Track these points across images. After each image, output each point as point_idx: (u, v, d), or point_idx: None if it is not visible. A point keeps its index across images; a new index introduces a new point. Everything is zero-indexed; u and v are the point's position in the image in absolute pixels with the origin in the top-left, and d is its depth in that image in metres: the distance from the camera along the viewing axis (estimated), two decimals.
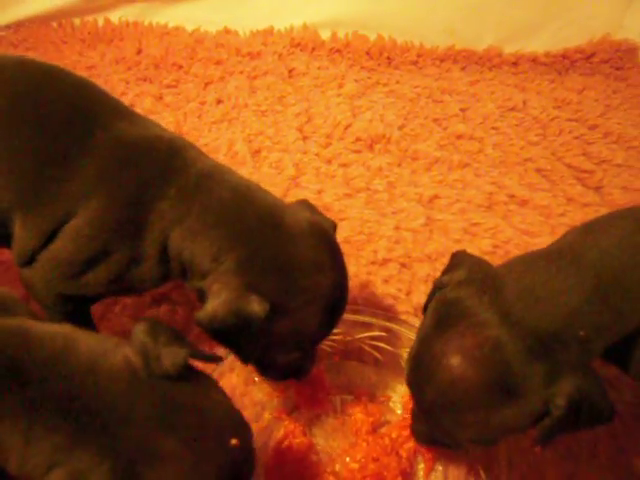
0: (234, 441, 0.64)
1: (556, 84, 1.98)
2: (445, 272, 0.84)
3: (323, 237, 0.88)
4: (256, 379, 1.05)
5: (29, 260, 0.89)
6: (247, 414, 1.00)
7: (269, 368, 0.95)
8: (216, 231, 0.85)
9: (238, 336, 0.81)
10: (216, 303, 0.80)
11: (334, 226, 0.94)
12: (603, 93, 1.96)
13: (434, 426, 0.82)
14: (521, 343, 0.71)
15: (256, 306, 0.79)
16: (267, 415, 1.02)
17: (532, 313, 0.73)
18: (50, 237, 0.87)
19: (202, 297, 0.89)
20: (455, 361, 0.73)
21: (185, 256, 0.87)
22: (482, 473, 0.91)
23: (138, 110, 1.65)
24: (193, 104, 1.72)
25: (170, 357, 0.64)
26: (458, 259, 0.84)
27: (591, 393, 0.71)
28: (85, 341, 0.65)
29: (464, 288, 0.77)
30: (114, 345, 0.66)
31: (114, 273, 0.88)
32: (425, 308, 0.87)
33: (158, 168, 0.88)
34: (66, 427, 0.58)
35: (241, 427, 0.68)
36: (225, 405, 0.69)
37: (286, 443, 0.97)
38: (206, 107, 1.72)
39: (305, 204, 0.94)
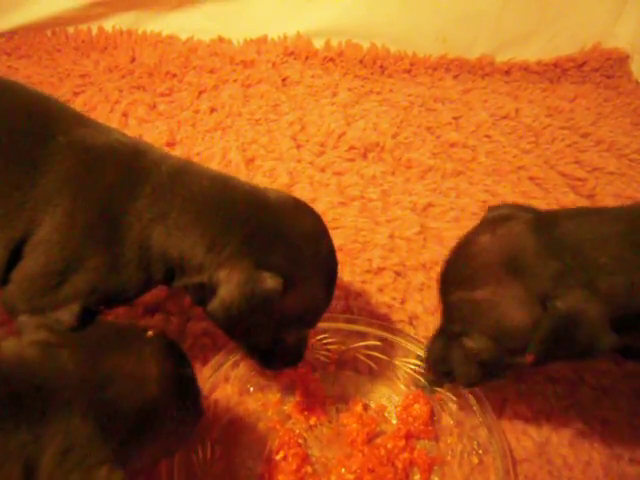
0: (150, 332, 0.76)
1: (548, 92, 1.99)
2: None
3: (309, 209, 0.91)
4: (251, 389, 1.05)
5: (2, 280, 0.86)
6: (242, 424, 1.01)
7: (274, 355, 0.94)
8: (205, 221, 0.84)
9: (254, 319, 0.82)
10: (230, 288, 0.79)
11: None
12: (595, 101, 1.97)
13: (448, 317, 0.87)
14: (548, 244, 0.77)
15: (271, 282, 0.79)
16: (262, 425, 1.01)
17: (566, 229, 0.79)
18: (18, 255, 0.85)
19: (199, 293, 0.88)
20: (484, 238, 0.82)
21: (172, 254, 0.85)
22: None
23: (132, 119, 1.67)
24: (187, 113, 1.72)
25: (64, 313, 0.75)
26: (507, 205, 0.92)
27: (593, 317, 0.74)
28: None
29: (510, 210, 0.86)
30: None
31: (93, 282, 0.85)
32: None
33: (124, 169, 0.86)
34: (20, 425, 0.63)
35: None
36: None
37: (281, 454, 0.96)
38: (200, 116, 1.72)
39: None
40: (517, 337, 0.80)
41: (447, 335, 0.90)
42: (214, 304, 0.81)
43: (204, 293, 0.86)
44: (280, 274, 0.81)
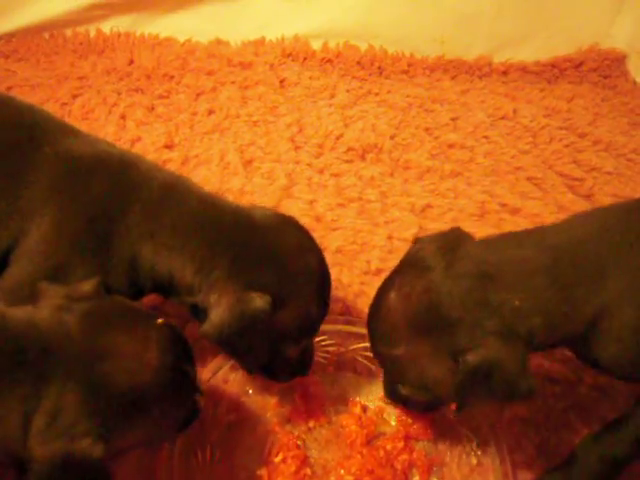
0: (160, 320, 0.77)
1: (546, 93, 1.99)
2: None
3: (292, 223, 0.93)
4: (250, 392, 1.05)
5: None
6: (241, 427, 1.01)
7: (278, 369, 0.95)
8: (194, 244, 0.86)
9: (247, 339, 0.83)
10: (220, 311, 0.81)
11: None
12: (592, 101, 1.97)
13: (381, 367, 0.89)
14: (454, 293, 0.74)
15: (259, 302, 0.81)
16: (261, 428, 1.01)
17: (475, 271, 0.76)
18: (5, 263, 0.86)
19: (195, 311, 0.89)
20: (390, 296, 0.81)
21: (160, 271, 0.86)
22: None
23: (130, 121, 1.67)
24: (185, 115, 1.72)
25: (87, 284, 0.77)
26: (448, 230, 0.89)
27: (507, 365, 0.73)
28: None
29: (428, 244, 0.83)
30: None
31: None
32: None
33: (113, 181, 0.88)
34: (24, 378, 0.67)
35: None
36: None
37: (280, 456, 0.96)
38: (198, 118, 1.72)
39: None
40: (440, 388, 0.82)
41: None
42: (206, 327, 0.82)
43: (198, 312, 0.88)
44: (269, 293, 0.82)
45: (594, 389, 1.09)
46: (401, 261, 0.87)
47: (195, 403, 0.85)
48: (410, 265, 0.83)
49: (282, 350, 0.92)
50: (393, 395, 0.94)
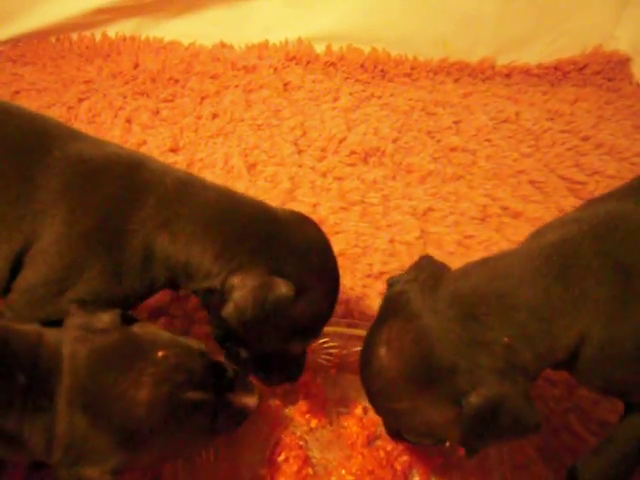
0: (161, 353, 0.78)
1: (549, 95, 2.00)
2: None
3: (314, 223, 0.94)
4: None
5: (6, 289, 0.89)
6: (244, 427, 1.02)
7: (275, 368, 0.96)
8: (215, 230, 0.86)
9: (266, 324, 0.84)
10: (244, 293, 0.82)
11: None
12: (595, 104, 1.97)
13: (384, 417, 0.87)
14: (443, 339, 0.73)
15: (284, 288, 0.82)
16: (264, 429, 1.03)
17: (460, 312, 0.74)
18: (18, 265, 0.87)
19: (207, 297, 0.90)
20: (381, 351, 0.78)
21: (177, 259, 0.87)
22: None
23: (135, 125, 1.69)
24: (189, 118, 1.74)
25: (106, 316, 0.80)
26: (417, 262, 0.88)
27: (511, 400, 0.72)
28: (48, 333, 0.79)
29: (407, 285, 0.81)
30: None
31: (95, 290, 0.87)
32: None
33: (125, 181, 0.89)
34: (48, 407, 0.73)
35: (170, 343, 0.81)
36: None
37: (282, 456, 0.98)
38: (202, 121, 1.74)
39: None
40: (446, 433, 0.81)
41: None
42: (228, 308, 0.83)
43: (212, 298, 0.88)
44: (291, 281, 0.83)
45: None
46: (383, 307, 0.85)
47: (238, 409, 0.86)
48: (394, 313, 0.80)
49: (289, 345, 0.93)
50: (398, 437, 0.93)
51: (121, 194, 0.88)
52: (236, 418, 0.87)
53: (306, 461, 0.98)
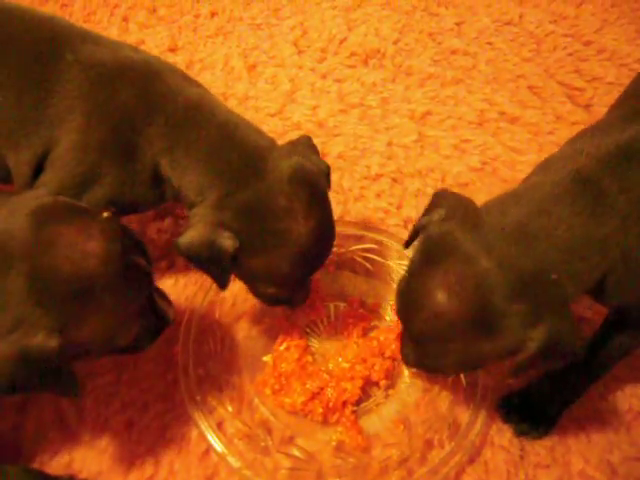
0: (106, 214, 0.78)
1: None
2: (425, 213, 0.87)
3: (304, 185, 0.88)
4: None
5: None
6: (248, 319, 1.09)
7: (258, 295, 1.01)
8: (201, 168, 0.89)
9: (210, 265, 0.88)
10: (192, 233, 0.85)
11: (327, 171, 0.95)
12: (601, 7, 1.92)
13: (421, 353, 0.88)
14: (503, 281, 0.74)
15: (226, 241, 0.85)
16: (267, 320, 1.10)
17: (514, 250, 0.76)
18: (40, 170, 0.91)
19: None
20: (440, 296, 0.76)
21: (174, 184, 0.92)
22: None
23: (132, 24, 1.66)
24: (188, 17, 1.70)
25: None
26: (438, 198, 0.87)
27: (564, 336, 0.76)
28: None
29: (446, 224, 0.80)
30: None
31: (110, 194, 0.92)
32: (406, 246, 0.93)
33: (137, 90, 0.90)
34: None
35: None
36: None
37: (284, 345, 1.05)
38: (201, 20, 1.70)
39: (303, 144, 0.94)
40: (487, 365, 0.88)
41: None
42: (180, 239, 0.85)
43: None
44: (239, 238, 0.85)
45: (596, 385, 1.04)
46: (426, 248, 0.82)
47: (162, 311, 0.90)
48: (445, 255, 0.78)
49: (257, 287, 0.97)
50: (421, 367, 0.94)
51: (134, 105, 0.89)
52: (158, 323, 0.90)
53: (306, 349, 1.06)
